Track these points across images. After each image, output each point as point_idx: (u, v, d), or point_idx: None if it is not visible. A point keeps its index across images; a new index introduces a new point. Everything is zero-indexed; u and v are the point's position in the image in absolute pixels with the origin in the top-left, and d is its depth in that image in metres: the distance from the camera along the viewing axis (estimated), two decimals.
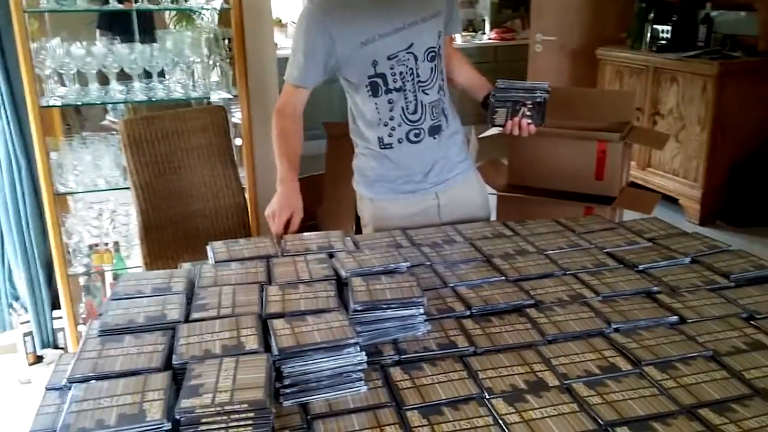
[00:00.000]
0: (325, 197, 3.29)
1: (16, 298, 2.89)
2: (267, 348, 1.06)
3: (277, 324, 1.10)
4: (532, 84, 1.72)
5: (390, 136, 1.76)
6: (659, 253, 1.54)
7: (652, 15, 4.28)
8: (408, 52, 1.68)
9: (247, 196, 2.55)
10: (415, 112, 1.74)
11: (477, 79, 1.91)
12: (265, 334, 1.10)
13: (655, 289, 1.37)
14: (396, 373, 1.10)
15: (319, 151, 3.74)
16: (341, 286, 1.29)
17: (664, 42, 4.22)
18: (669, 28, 4.20)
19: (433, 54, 1.73)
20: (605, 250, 1.57)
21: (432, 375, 1.09)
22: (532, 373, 1.09)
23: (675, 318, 1.25)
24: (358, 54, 1.67)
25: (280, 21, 5.81)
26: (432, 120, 1.76)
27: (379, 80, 1.69)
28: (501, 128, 1.77)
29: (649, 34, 4.30)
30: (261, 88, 2.75)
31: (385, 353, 1.16)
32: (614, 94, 3.97)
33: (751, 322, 1.24)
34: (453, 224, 1.79)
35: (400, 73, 1.69)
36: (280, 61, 6.02)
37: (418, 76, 1.71)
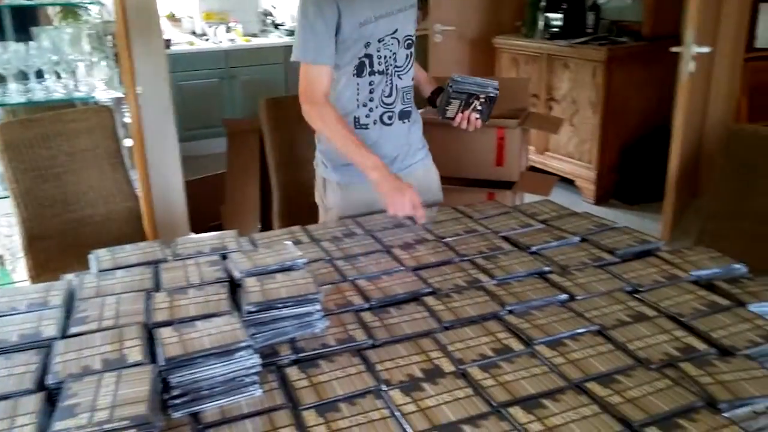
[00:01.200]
0: (228, 196, 3.21)
1: None
2: (154, 359, 1.01)
3: (164, 332, 1.05)
4: (483, 80, 1.80)
5: (367, 117, 1.80)
6: (551, 234, 1.59)
7: (543, 3, 4.43)
8: (393, 37, 1.75)
9: (141, 200, 2.43)
10: (390, 95, 1.80)
11: (423, 75, 1.98)
12: (151, 344, 1.04)
13: (547, 269, 1.41)
14: (292, 372, 1.08)
15: (218, 150, 3.64)
16: (235, 288, 1.25)
17: (556, 29, 4.37)
18: (560, 16, 4.35)
19: (410, 42, 1.80)
20: (500, 234, 1.61)
21: (329, 371, 1.07)
22: (429, 361, 1.09)
23: (565, 296, 1.29)
24: (356, 33, 1.69)
25: (174, 16, 5.60)
26: (403, 105, 1.83)
27: (366, 61, 1.73)
28: (451, 120, 1.86)
29: (541, 23, 4.44)
30: (151, 86, 2.63)
31: (282, 353, 1.13)
32: (511, 81, 4.07)
33: (635, 295, 1.29)
34: (353, 217, 1.79)
35: (385, 56, 1.75)
36: (172, 57, 5.83)
37: (396, 61, 1.77)
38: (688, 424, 0.91)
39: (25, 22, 2.73)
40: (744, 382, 1.00)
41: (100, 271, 1.32)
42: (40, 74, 2.41)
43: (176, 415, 0.97)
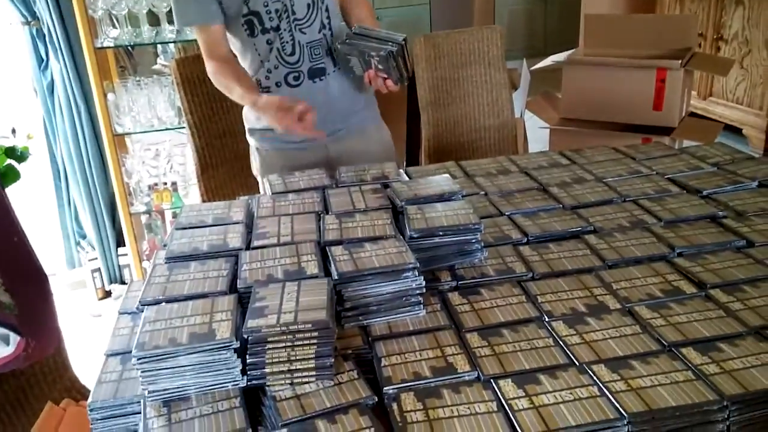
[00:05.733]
0: None
1: (83, 237, 3.02)
2: (327, 273, 1.08)
3: (336, 250, 1.12)
4: (387, 34, 1.54)
5: (267, 78, 1.65)
6: (724, 178, 1.48)
7: None
8: None
9: None
10: (292, 53, 1.62)
11: (368, 16, 1.72)
12: (324, 260, 1.12)
13: (721, 213, 1.33)
14: (454, 297, 1.11)
15: None
16: (397, 215, 1.30)
17: None
18: None
19: None
20: (667, 176, 1.53)
21: (490, 299, 1.10)
22: (593, 297, 1.08)
23: (742, 242, 1.22)
24: None
25: None
26: (311, 62, 1.64)
27: (254, 18, 1.58)
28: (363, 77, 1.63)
29: None
30: None
31: (442, 279, 1.17)
32: (674, 19, 3.76)
33: None
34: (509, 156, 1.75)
35: (276, 11, 1.57)
36: None
37: (294, 13, 1.59)
38: None
39: None
40: None
41: (274, 193, 1.42)
42: None
43: (348, 326, 1.04)
